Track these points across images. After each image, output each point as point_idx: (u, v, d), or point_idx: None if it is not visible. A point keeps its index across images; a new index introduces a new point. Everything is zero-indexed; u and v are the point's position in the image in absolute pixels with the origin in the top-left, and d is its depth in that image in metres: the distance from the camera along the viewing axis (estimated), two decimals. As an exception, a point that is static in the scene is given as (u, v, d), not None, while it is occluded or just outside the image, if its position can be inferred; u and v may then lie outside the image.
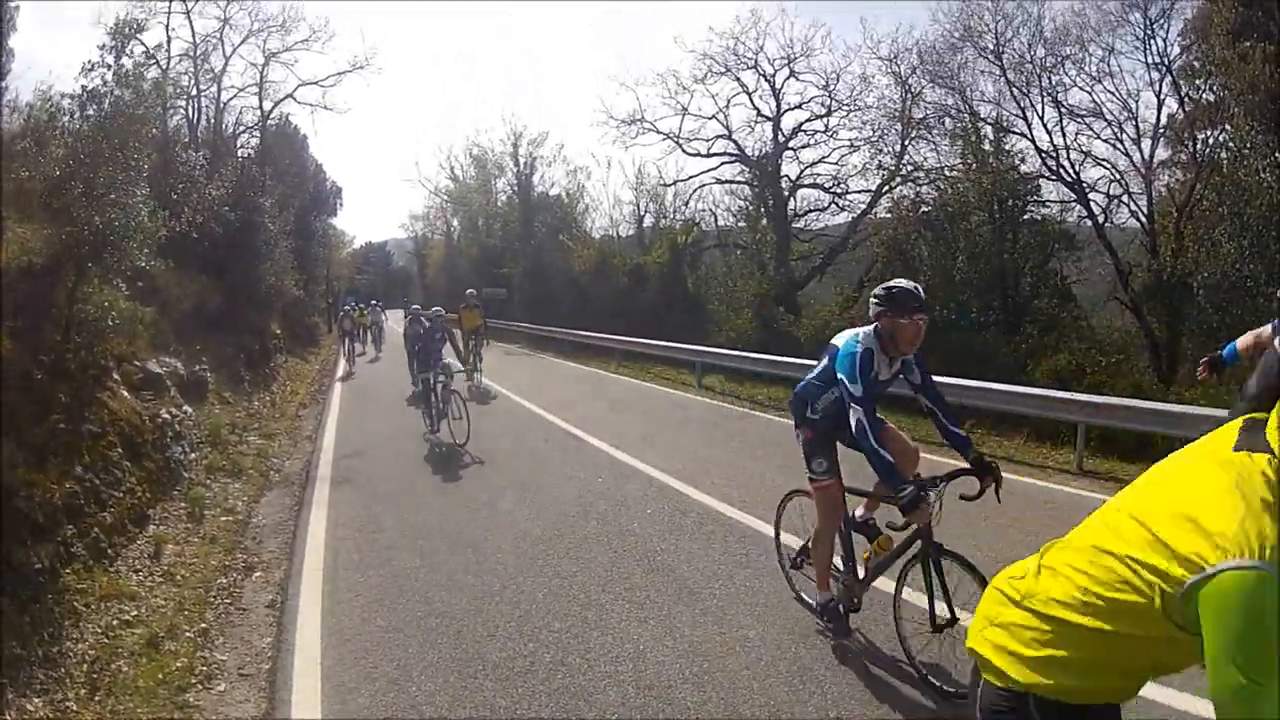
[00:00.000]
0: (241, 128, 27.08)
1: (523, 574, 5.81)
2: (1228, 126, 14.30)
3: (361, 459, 10.29)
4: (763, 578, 5.48)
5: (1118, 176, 18.16)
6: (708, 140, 28.82)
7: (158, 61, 20.07)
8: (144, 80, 12.52)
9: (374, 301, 36.66)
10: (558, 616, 4.99)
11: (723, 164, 29.10)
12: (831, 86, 25.80)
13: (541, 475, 8.69)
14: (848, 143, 26.12)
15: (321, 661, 4.58)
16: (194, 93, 22.83)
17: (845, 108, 25.74)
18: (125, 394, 7.57)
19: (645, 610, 5.04)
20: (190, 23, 23.10)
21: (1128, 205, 18.04)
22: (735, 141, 28.20)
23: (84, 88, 10.34)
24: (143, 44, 16.28)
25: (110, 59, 10.80)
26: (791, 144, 27.16)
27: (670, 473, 8.67)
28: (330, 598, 5.54)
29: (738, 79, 27.23)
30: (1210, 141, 15.78)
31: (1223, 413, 9.29)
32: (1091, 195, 18.45)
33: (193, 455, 8.51)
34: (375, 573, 5.99)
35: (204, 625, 5.15)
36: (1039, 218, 18.47)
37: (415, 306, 14.94)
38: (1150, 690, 3.66)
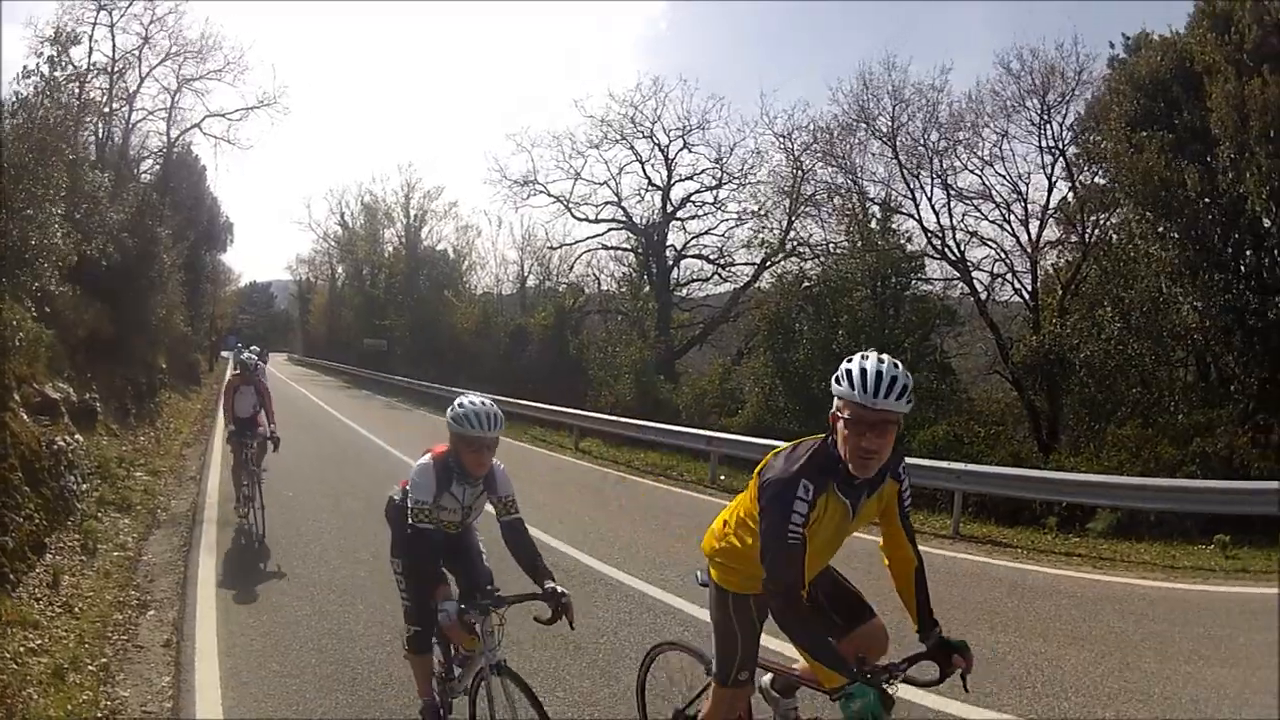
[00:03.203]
0: (146, 152, 26.58)
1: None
2: (1119, 210, 15.22)
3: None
4: (645, 634, 5.83)
5: (1003, 255, 19.46)
6: (597, 206, 29.75)
7: (79, 75, 19.61)
8: (72, 94, 12.19)
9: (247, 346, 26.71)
10: (451, 667, 5.30)
11: (610, 230, 29.95)
12: (724, 159, 27.16)
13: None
14: (735, 216, 27.29)
15: (222, 703, 4.72)
16: (106, 110, 22.30)
17: (736, 180, 27.11)
18: (25, 417, 7.44)
19: (535, 663, 5.30)
20: (113, 36, 22.82)
21: (1011, 283, 19.32)
22: (624, 208, 29.23)
23: (16, 94, 10.05)
24: (69, 59, 16.01)
25: (45, 69, 10.49)
26: (679, 214, 28.31)
27: (552, 534, 8.90)
28: (225, 640, 5.65)
29: (632, 147, 28.30)
30: (1099, 223, 16.95)
31: (1101, 477, 9.82)
32: (975, 273, 19.66)
33: (84, 486, 8.30)
34: (267, 618, 6.13)
35: (104, 660, 5.18)
36: (922, 294, 19.48)
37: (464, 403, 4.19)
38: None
